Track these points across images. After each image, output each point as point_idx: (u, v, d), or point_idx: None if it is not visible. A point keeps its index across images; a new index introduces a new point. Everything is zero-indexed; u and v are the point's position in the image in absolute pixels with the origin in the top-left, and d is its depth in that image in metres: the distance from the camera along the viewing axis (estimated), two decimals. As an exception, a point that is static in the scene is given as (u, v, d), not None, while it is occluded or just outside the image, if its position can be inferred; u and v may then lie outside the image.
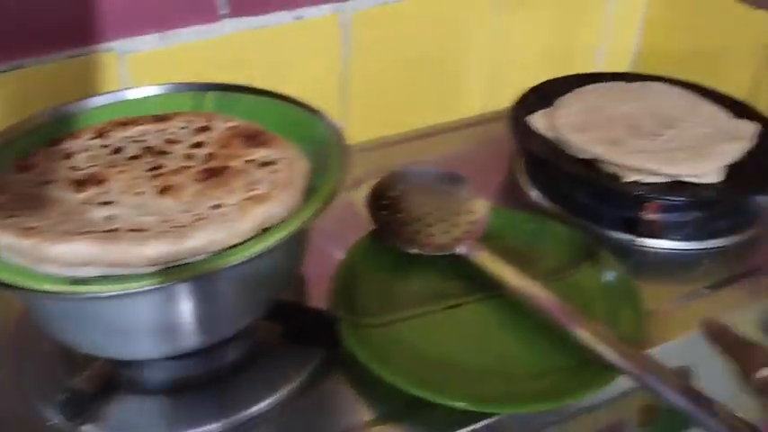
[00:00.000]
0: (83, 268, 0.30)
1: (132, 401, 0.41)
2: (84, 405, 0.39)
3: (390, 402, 0.40)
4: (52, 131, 0.41)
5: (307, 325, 0.44)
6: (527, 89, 0.67)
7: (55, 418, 0.39)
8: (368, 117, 0.70)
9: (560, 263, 0.51)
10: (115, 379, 0.40)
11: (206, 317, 0.36)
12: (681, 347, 0.47)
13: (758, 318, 0.51)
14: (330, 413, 0.41)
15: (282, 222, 0.34)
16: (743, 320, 0.50)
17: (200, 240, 0.31)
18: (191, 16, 0.57)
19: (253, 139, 0.40)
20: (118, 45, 0.54)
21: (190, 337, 0.37)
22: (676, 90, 0.66)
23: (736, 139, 0.58)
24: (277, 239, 0.32)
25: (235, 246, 0.33)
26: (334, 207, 0.57)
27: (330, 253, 0.52)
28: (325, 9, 0.63)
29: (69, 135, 0.40)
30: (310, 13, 0.62)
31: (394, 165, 0.65)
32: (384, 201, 0.54)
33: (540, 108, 0.64)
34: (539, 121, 0.63)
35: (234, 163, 0.38)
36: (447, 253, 0.49)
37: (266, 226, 0.34)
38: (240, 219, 0.33)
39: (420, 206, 0.54)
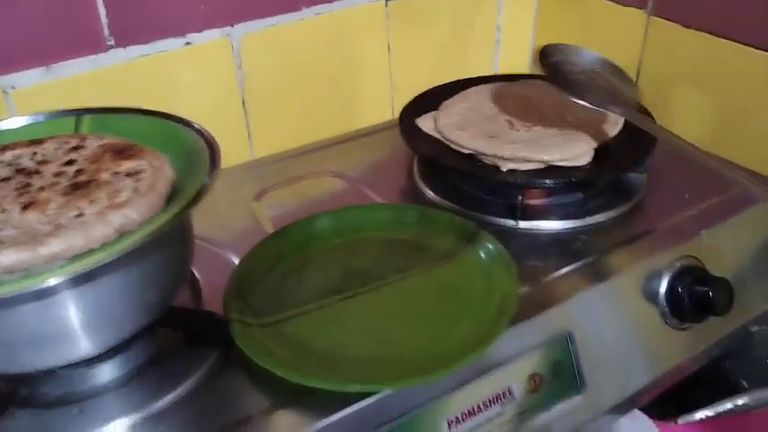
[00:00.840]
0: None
1: (31, 416, 0.42)
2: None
3: (282, 392, 0.42)
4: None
5: (200, 327, 0.46)
6: (416, 96, 0.71)
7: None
8: (270, 133, 0.73)
9: (447, 247, 0.54)
10: (9, 396, 0.41)
11: (90, 321, 0.38)
12: (559, 316, 0.50)
13: (638, 283, 0.54)
14: (226, 405, 0.42)
15: (145, 224, 0.36)
16: (622, 285, 0.53)
17: (57, 247, 0.33)
18: (77, 48, 0.59)
19: (121, 152, 0.42)
20: (2, 81, 0.56)
21: (78, 344, 0.38)
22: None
23: (605, 124, 0.62)
24: (131, 242, 0.34)
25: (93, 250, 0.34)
26: (237, 220, 0.60)
27: (229, 263, 0.54)
28: (214, 33, 0.66)
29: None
30: (199, 38, 0.65)
31: (296, 176, 0.68)
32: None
33: (428, 111, 0.68)
34: (425, 123, 0.66)
35: (102, 176, 0.40)
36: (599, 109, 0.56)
37: (125, 230, 0.36)
38: (97, 224, 0.35)
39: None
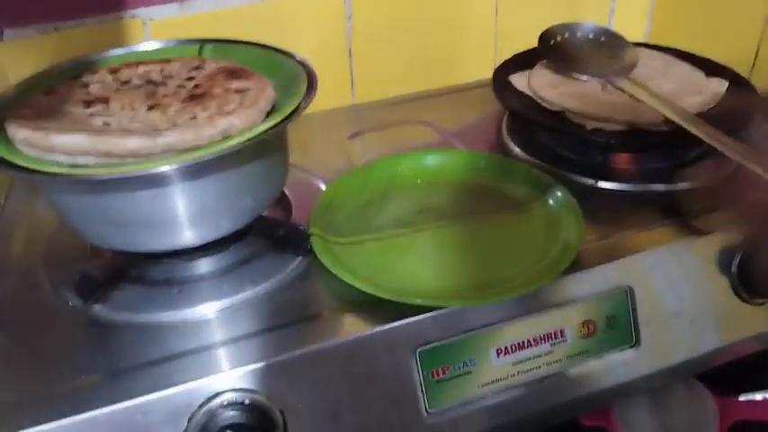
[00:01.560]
0: (81, 157, 0.39)
1: (138, 290, 0.49)
2: (93, 289, 0.47)
3: (349, 299, 0.47)
4: (76, 72, 0.50)
5: (285, 237, 0.52)
6: (514, 54, 0.73)
7: (72, 299, 0.48)
8: (373, 80, 0.77)
9: (521, 196, 0.57)
10: (123, 270, 0.49)
11: (194, 213, 0.44)
12: (620, 270, 0.51)
13: (711, 249, 0.54)
14: (300, 303, 0.48)
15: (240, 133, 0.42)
16: (694, 249, 0.54)
17: (171, 139, 0.39)
18: (207, -12, 0.66)
19: (234, 73, 0.48)
20: (142, 13, 0.64)
21: (183, 232, 0.45)
22: (655, 53, 0.70)
23: (700, 93, 0.62)
24: (232, 143, 0.40)
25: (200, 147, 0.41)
26: (330, 155, 0.65)
27: (319, 189, 0.60)
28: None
29: (89, 72, 0.50)
30: (314, -15, 0.70)
31: (392, 122, 0.72)
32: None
33: (524, 69, 0.70)
34: (518, 80, 0.68)
35: (215, 90, 0.46)
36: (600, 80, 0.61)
37: (228, 134, 0.42)
38: (206, 125, 0.41)
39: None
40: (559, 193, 0.55)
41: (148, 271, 0.50)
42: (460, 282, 0.49)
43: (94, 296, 0.48)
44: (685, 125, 0.54)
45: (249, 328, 0.45)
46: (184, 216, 0.45)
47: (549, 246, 0.51)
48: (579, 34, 0.68)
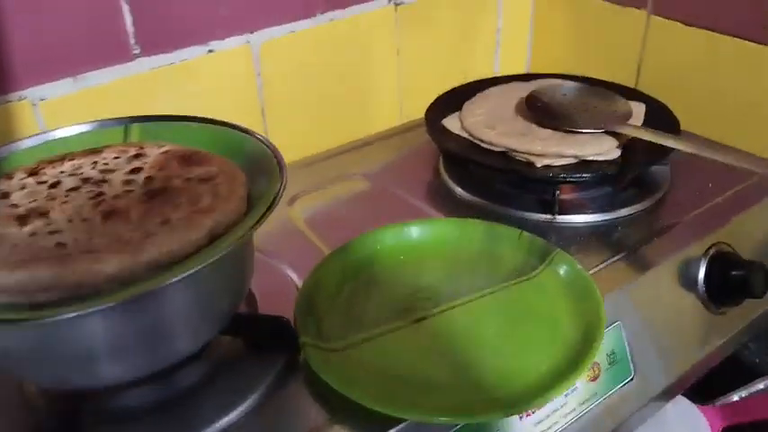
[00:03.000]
0: (41, 294, 0.31)
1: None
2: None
3: (343, 407, 0.41)
4: (-20, 177, 0.41)
5: (264, 333, 0.45)
6: (437, 96, 0.71)
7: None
8: (290, 139, 0.72)
9: (518, 264, 0.53)
10: (80, 412, 0.40)
11: (172, 332, 0.37)
12: (609, 306, 0.51)
13: (675, 271, 0.56)
14: (295, 415, 0.42)
15: (231, 229, 0.36)
16: (661, 273, 0.55)
17: (155, 253, 0.32)
18: (104, 58, 0.57)
19: (188, 159, 0.41)
20: (30, 93, 0.54)
21: (159, 354, 0.38)
22: (570, 83, 0.72)
23: (628, 118, 0.64)
24: (231, 241, 0.34)
25: (189, 255, 0.34)
26: (274, 226, 0.59)
27: (275, 269, 0.54)
28: (236, 41, 0.65)
29: (3, 176, 0.40)
30: (221, 45, 0.64)
31: (324, 180, 0.68)
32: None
33: (451, 112, 0.69)
34: (451, 123, 0.67)
35: (174, 182, 0.39)
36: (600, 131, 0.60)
37: (215, 234, 0.35)
38: (190, 229, 0.34)
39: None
40: (564, 264, 0.51)
41: (107, 404, 0.41)
42: (482, 381, 0.43)
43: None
44: (701, 152, 0.56)
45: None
46: (160, 336, 0.37)
47: (569, 325, 0.47)
48: (564, 93, 0.68)
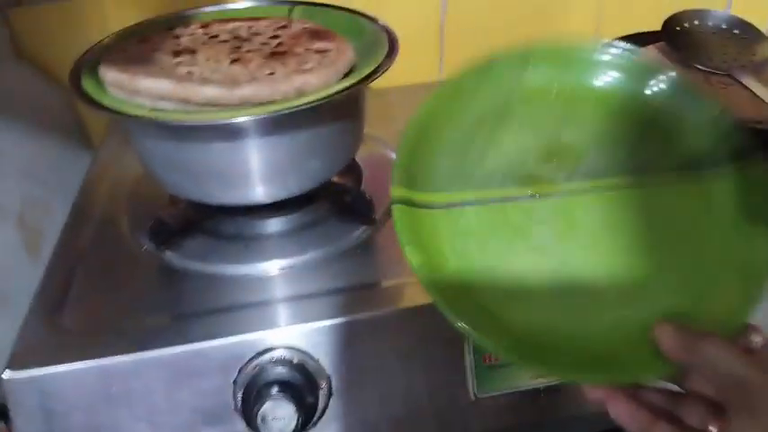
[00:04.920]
0: (161, 102, 0.40)
1: (208, 241, 0.50)
2: (166, 236, 0.49)
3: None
4: (171, 25, 0.52)
5: (352, 205, 0.51)
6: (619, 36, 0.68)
7: (147, 244, 0.50)
8: (462, 56, 0.75)
9: (703, 149, 0.37)
10: (196, 221, 0.51)
11: (265, 169, 0.45)
12: None
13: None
14: (363, 270, 0.47)
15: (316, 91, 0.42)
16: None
17: (247, 91, 0.40)
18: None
19: (318, 34, 0.48)
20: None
21: (254, 188, 0.46)
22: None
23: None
24: (306, 100, 0.40)
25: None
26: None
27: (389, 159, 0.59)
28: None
29: (182, 25, 0.51)
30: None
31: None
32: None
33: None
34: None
35: (297, 49, 0.46)
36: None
37: (303, 92, 0.42)
38: (283, 81, 0.41)
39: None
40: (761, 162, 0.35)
41: (220, 225, 0.52)
42: (624, 318, 0.33)
43: (167, 243, 0.49)
44: None
45: (308, 289, 0.45)
46: (256, 171, 0.45)
47: (732, 257, 0.34)
48: (710, 23, 0.62)
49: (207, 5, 0.56)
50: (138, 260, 0.50)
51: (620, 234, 0.35)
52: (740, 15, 0.63)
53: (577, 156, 0.37)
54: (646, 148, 0.37)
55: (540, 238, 0.36)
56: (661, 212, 0.36)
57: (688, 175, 0.36)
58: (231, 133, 0.42)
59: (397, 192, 0.35)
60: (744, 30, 0.61)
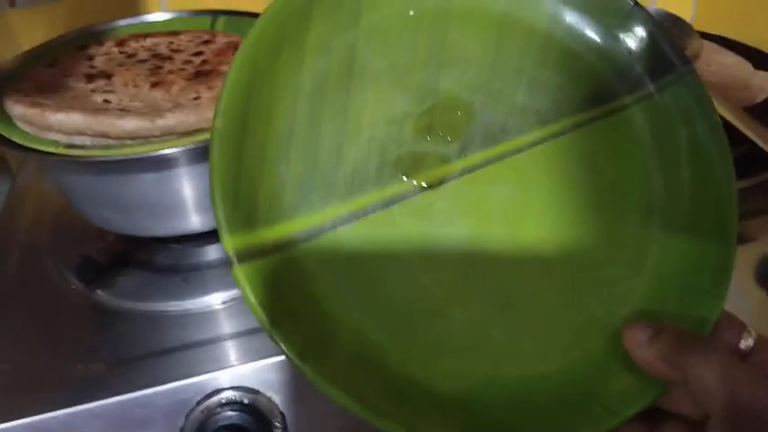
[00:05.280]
0: (77, 137, 0.37)
1: (142, 276, 0.47)
2: (95, 273, 0.45)
3: None
4: (82, 42, 0.48)
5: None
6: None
7: (74, 283, 0.46)
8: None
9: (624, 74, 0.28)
10: (127, 254, 0.47)
11: (199, 198, 0.42)
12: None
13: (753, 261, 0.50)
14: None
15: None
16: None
17: (171, 121, 0.37)
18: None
19: (244, 49, 0.45)
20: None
21: (188, 218, 0.43)
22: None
23: (746, 88, 0.57)
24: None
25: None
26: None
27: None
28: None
29: (95, 43, 0.47)
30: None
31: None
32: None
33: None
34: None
35: (222, 67, 0.43)
36: None
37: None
38: (208, 107, 0.38)
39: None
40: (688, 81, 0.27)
41: (154, 256, 0.48)
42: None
43: (96, 281, 0.46)
44: (734, 122, 0.49)
45: (255, 322, 0.43)
46: (188, 200, 0.42)
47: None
48: None
49: (119, 19, 0.52)
50: (66, 301, 0.46)
51: (551, 209, 0.26)
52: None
53: (466, 111, 0.26)
54: (549, 83, 0.27)
55: (452, 244, 0.25)
56: (588, 164, 0.27)
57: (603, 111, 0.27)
58: (158, 164, 0.39)
59: (231, 242, 0.23)
60: (674, 24, 0.61)
